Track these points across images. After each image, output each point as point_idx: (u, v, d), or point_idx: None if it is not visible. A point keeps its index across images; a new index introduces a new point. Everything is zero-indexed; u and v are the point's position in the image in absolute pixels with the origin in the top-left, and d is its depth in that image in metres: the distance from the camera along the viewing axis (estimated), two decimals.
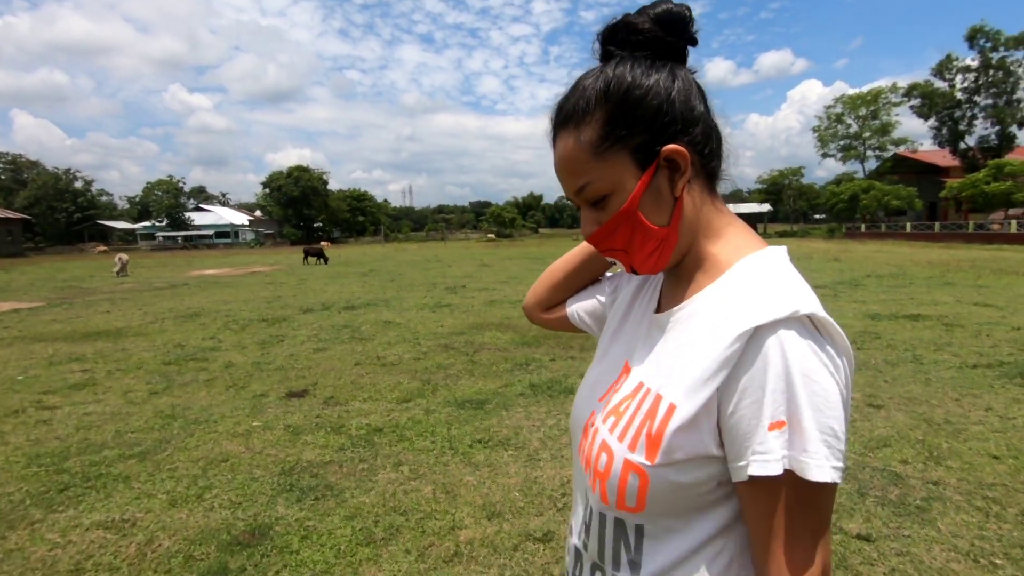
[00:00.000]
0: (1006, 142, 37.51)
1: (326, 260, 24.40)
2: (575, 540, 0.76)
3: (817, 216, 57.72)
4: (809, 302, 0.56)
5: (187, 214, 72.89)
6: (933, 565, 2.24)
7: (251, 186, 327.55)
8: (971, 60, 37.92)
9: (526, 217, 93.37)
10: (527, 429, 3.87)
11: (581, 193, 0.65)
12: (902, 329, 6.94)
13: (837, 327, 0.56)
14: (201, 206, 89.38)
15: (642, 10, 0.64)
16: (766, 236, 44.99)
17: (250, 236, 73.42)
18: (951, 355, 5.59)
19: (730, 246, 0.66)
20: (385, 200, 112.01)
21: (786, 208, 53.36)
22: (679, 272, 0.70)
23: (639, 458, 0.61)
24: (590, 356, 0.86)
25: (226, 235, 75.29)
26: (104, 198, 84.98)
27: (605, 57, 0.67)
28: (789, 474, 0.54)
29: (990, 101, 37.72)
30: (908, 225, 35.33)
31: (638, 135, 0.62)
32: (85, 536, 2.65)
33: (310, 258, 24.77)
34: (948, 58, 39.17)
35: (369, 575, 2.31)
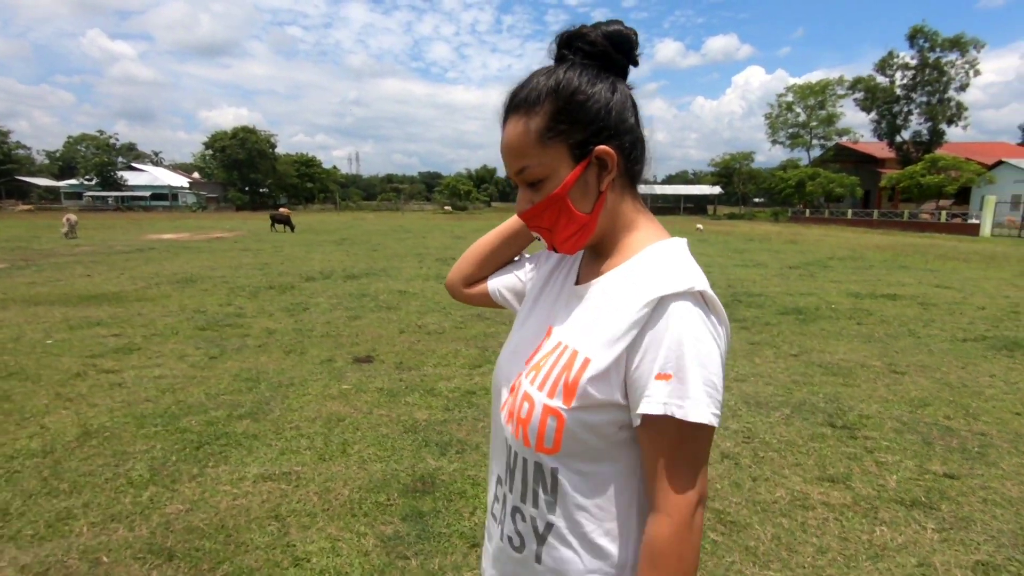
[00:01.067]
0: (936, 137, 40.54)
1: (292, 228, 23.66)
2: (494, 491, 0.87)
3: (756, 200, 60.56)
4: (701, 281, 0.69)
5: (119, 173, 67.84)
6: (1012, 494, 2.76)
7: (182, 144, 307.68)
8: (911, 58, 40.46)
9: (479, 190, 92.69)
10: None
11: (521, 173, 0.75)
12: (886, 307, 7.71)
13: (719, 304, 0.69)
14: (133, 165, 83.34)
15: (597, 25, 0.74)
16: (715, 218, 47.00)
17: (191, 199, 69.41)
18: (939, 330, 6.33)
19: (642, 235, 0.79)
20: (334, 167, 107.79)
21: (735, 191, 55.70)
22: (598, 252, 0.82)
23: (556, 403, 0.72)
24: None
25: (163, 197, 70.77)
26: (20, 151, 77.75)
27: (559, 59, 0.76)
28: (671, 419, 0.65)
29: (925, 98, 40.52)
30: (849, 212, 37.88)
31: (577, 132, 0.72)
32: (258, 487, 2.78)
33: (277, 225, 23.94)
34: (890, 55, 41.60)
35: None
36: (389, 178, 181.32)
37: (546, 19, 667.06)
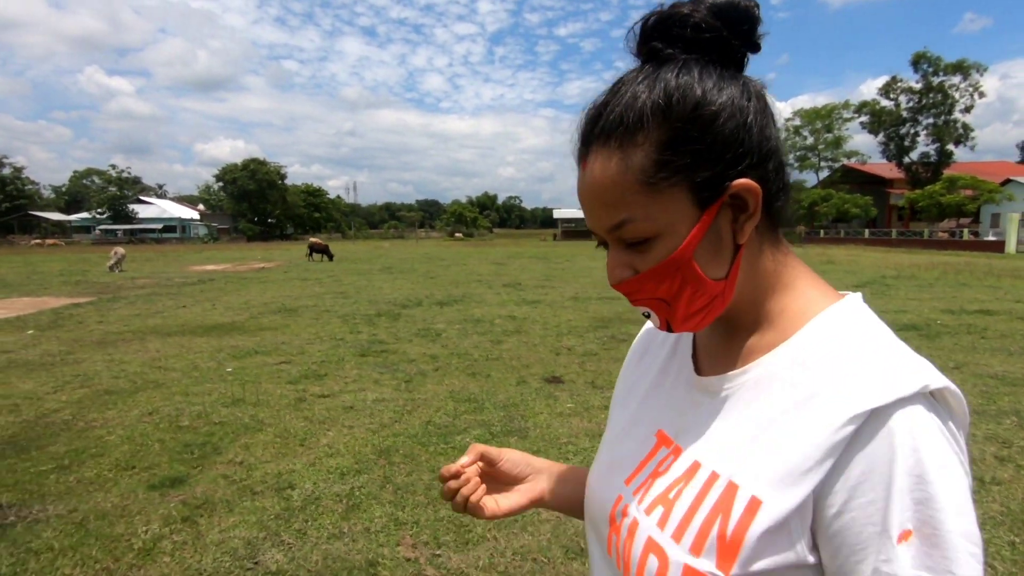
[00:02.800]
0: (944, 158, 41.60)
1: (331, 257, 23.93)
2: None
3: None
4: (934, 373, 0.46)
5: (130, 206, 68.40)
6: None
7: (178, 176, 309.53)
8: (915, 82, 41.77)
9: (482, 216, 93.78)
10: None
11: (618, 230, 0.52)
12: (991, 322, 7.97)
13: (961, 398, 0.47)
14: (141, 198, 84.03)
15: (696, 1, 0.51)
16: None
17: (202, 231, 69.88)
18: None
19: (802, 299, 0.55)
20: (338, 196, 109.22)
21: None
22: (731, 328, 0.59)
23: (707, 566, 0.48)
24: None
25: (172, 229, 71.24)
26: (29, 187, 78.39)
27: (651, 56, 0.53)
28: None
29: (931, 120, 41.68)
30: (866, 232, 38.57)
31: (705, 166, 0.49)
32: None
33: (315, 254, 24.21)
34: (893, 79, 42.96)
35: None
36: (388, 207, 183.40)
37: (537, 49, 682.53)
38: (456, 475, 0.69)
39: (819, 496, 0.46)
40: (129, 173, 68.71)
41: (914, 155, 43.30)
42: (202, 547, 2.58)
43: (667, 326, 0.56)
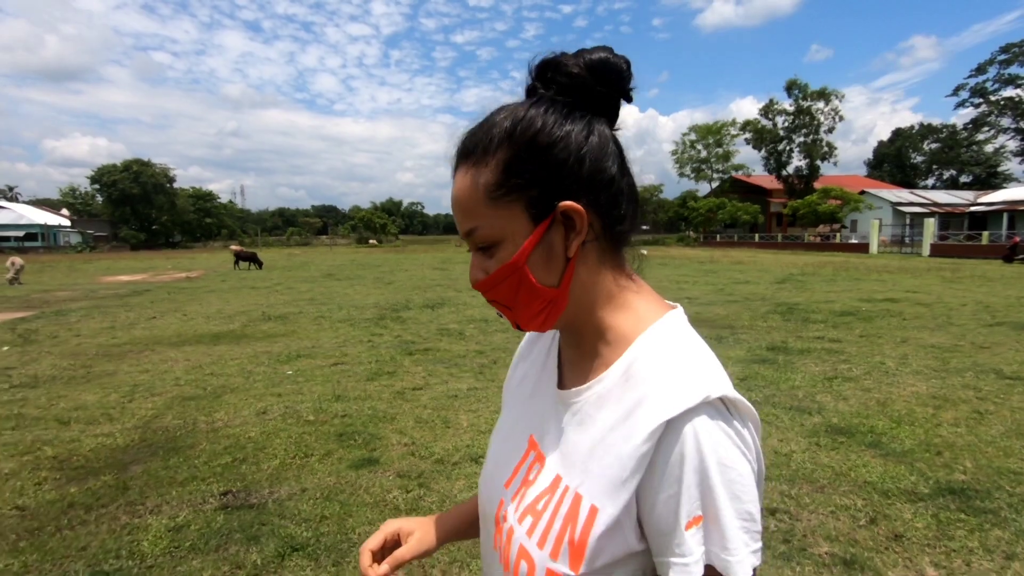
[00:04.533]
0: (813, 172, 47.83)
1: (260, 265, 22.85)
2: None
3: (644, 227, 66.91)
4: (719, 382, 0.55)
5: None
6: None
7: (22, 176, 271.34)
8: (788, 105, 47.73)
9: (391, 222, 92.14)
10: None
11: (471, 236, 0.61)
12: (904, 307, 9.85)
13: (745, 402, 0.55)
14: None
15: (580, 53, 0.59)
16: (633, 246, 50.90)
17: (75, 239, 62.18)
18: (967, 319, 8.42)
19: (631, 317, 0.62)
20: (230, 200, 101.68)
21: (648, 220, 61.12)
22: (580, 343, 0.66)
23: (562, 568, 0.57)
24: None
25: (35, 237, 62.72)
26: None
27: (529, 92, 0.62)
28: (711, 568, 0.53)
29: (802, 139, 47.78)
30: (756, 236, 43.37)
31: (536, 186, 0.57)
32: None
33: (242, 263, 22.97)
34: (771, 102, 48.77)
35: None
36: (281, 212, 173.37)
37: (434, 55, 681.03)
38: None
39: (639, 497, 0.55)
40: None
41: (790, 168, 49.44)
42: (452, 495, 3.01)
43: (516, 325, 0.64)
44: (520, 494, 0.64)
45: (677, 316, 0.63)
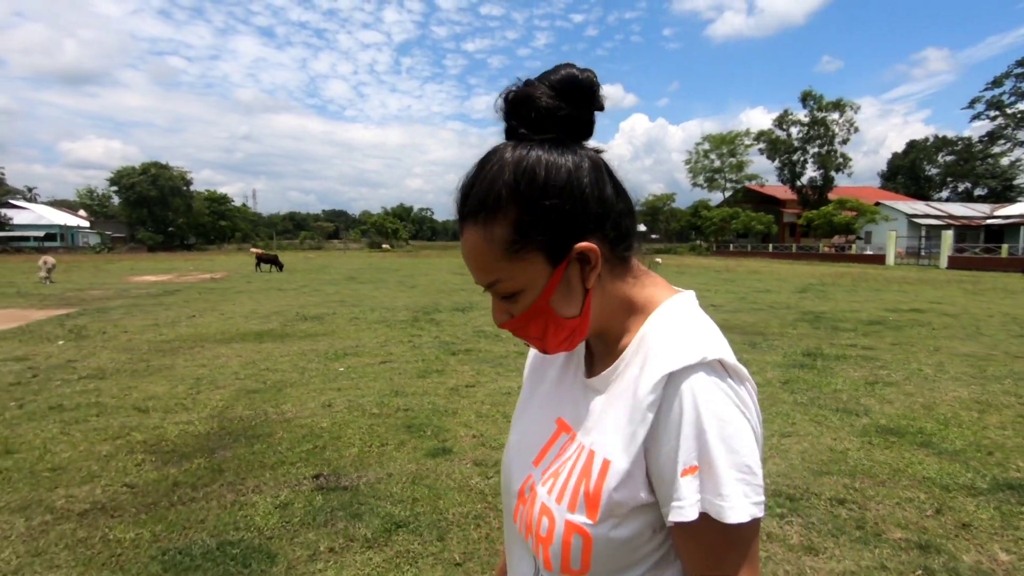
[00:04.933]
0: (827, 183, 47.80)
1: (281, 267, 23.21)
2: None
3: (653, 236, 66.89)
4: (717, 347, 0.58)
5: (3, 211, 60.51)
6: None
7: (38, 178, 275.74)
8: (803, 116, 47.78)
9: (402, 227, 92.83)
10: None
11: (491, 287, 0.64)
12: (931, 317, 9.93)
13: (743, 368, 0.58)
14: (11, 202, 74.62)
15: (544, 77, 0.61)
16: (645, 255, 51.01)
17: (93, 240, 63.20)
18: (996, 329, 8.51)
19: (648, 301, 0.68)
20: (244, 204, 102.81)
21: (660, 229, 61.21)
22: (607, 339, 0.70)
23: (580, 518, 0.61)
24: None
25: (54, 238, 63.77)
26: None
27: (509, 133, 0.64)
28: (707, 517, 0.55)
29: (817, 149, 47.80)
30: (770, 246, 43.40)
31: (550, 233, 0.60)
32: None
33: (263, 265, 23.35)
34: (786, 113, 48.83)
35: None
36: (292, 216, 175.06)
37: (444, 63, 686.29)
38: None
39: (646, 449, 0.59)
40: (3, 173, 60.86)
41: (804, 179, 49.46)
42: None
43: (544, 350, 0.68)
44: (551, 467, 0.68)
45: (688, 296, 0.69)
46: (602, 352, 0.72)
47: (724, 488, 0.54)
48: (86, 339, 7.86)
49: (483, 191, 0.61)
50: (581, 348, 0.76)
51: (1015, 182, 55.52)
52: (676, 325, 0.63)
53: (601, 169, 0.63)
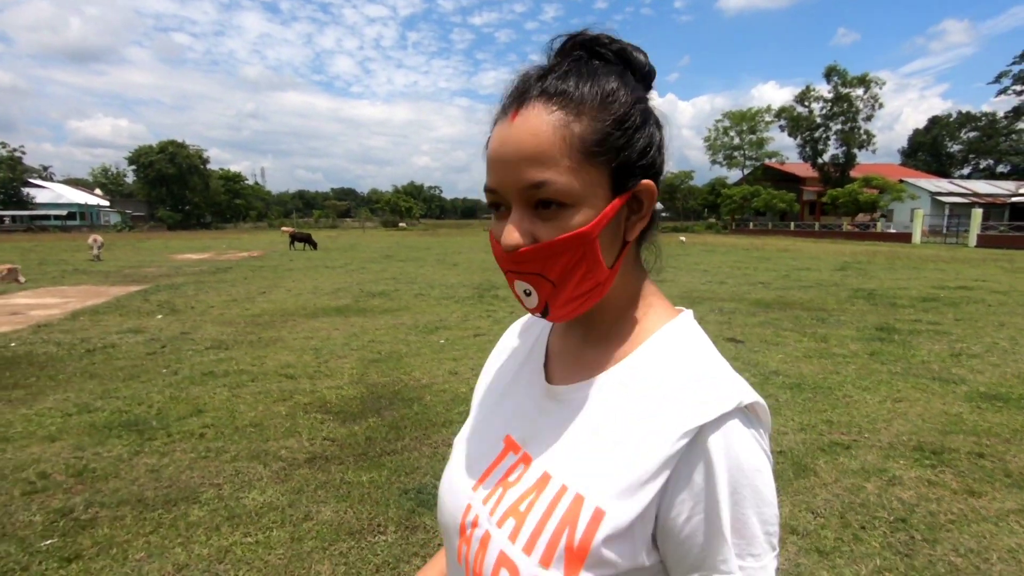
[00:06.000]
0: (849, 160, 47.32)
1: (315, 246, 23.62)
2: None
3: (664, 214, 66.57)
4: (747, 389, 0.52)
5: (24, 190, 61.30)
6: None
7: (48, 156, 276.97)
8: (827, 92, 47.11)
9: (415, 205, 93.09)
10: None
11: (536, 189, 0.51)
12: (982, 294, 10.14)
13: (765, 405, 0.53)
14: (30, 181, 75.40)
15: (612, 39, 0.56)
16: (663, 232, 51.00)
17: (114, 219, 63.97)
18: None
19: (652, 313, 0.60)
20: (256, 183, 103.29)
21: (677, 207, 61.01)
22: (588, 334, 0.61)
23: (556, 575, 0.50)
24: None
25: (74, 216, 64.60)
26: None
27: (580, 50, 0.56)
28: None
29: (839, 126, 47.22)
30: (792, 224, 43.26)
31: (627, 158, 0.53)
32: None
33: (297, 243, 23.77)
34: (808, 88, 48.13)
35: None
36: (300, 195, 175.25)
37: (451, 37, 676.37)
38: None
39: (663, 504, 0.50)
40: (22, 152, 61.44)
41: (826, 157, 48.96)
42: None
43: (544, 309, 0.56)
44: (496, 496, 0.58)
45: (690, 319, 0.61)
46: (574, 351, 0.63)
47: (755, 547, 0.49)
48: (180, 313, 8.29)
49: (584, 79, 0.53)
50: (540, 347, 0.68)
51: None
52: (697, 357, 0.55)
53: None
